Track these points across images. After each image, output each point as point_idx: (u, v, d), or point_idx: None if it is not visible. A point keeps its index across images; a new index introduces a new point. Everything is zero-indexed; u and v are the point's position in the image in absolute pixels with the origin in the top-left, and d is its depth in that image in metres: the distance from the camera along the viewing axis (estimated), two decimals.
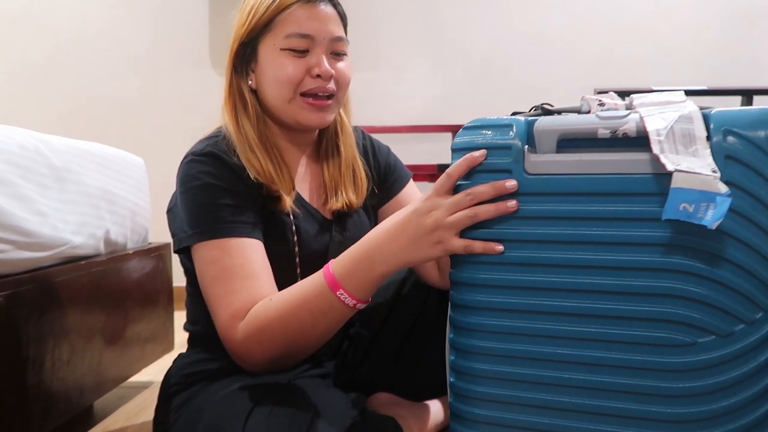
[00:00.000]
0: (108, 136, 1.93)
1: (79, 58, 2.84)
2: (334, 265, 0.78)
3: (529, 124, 0.66)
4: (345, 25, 0.96)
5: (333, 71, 0.91)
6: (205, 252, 0.85)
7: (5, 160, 1.02)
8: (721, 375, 0.58)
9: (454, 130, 2.52)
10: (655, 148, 0.59)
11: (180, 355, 1.00)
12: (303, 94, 0.91)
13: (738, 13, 2.65)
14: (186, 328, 1.02)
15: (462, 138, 0.69)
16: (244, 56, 0.95)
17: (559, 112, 0.70)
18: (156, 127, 2.83)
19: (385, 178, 1.10)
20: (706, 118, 0.60)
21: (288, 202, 0.91)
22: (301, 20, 0.90)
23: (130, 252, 1.43)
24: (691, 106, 0.62)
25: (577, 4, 2.73)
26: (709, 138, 0.59)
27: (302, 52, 0.91)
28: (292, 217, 0.93)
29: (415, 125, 2.64)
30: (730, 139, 0.58)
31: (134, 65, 2.84)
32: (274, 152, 0.94)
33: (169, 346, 1.61)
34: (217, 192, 0.86)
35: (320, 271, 0.79)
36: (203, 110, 2.79)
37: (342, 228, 1.00)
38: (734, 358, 0.58)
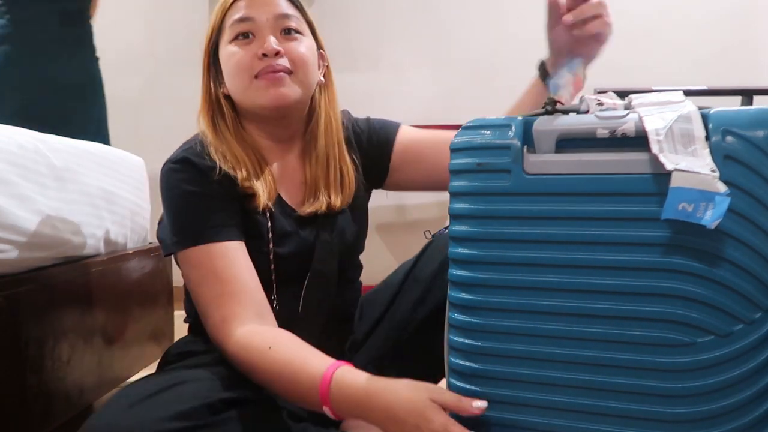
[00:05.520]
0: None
1: None
2: (335, 385, 0.74)
3: (528, 124, 0.66)
4: (299, 8, 0.96)
5: (279, 48, 0.90)
6: (190, 258, 0.88)
7: (5, 160, 1.02)
8: (720, 375, 0.58)
9: (454, 129, 2.52)
10: (654, 148, 0.59)
11: (180, 338, 1.05)
12: (257, 77, 0.91)
13: (738, 13, 2.65)
14: (185, 320, 1.06)
15: (461, 138, 0.69)
16: (213, 66, 0.97)
17: (562, 111, 0.70)
18: (156, 127, 2.82)
19: (371, 139, 1.07)
20: (705, 118, 0.60)
21: (263, 198, 0.90)
22: (240, 7, 0.92)
23: (130, 252, 1.43)
24: (690, 105, 0.62)
25: None
26: (708, 138, 0.59)
27: (246, 37, 0.91)
28: (268, 215, 0.92)
29: (415, 125, 2.63)
30: (729, 138, 0.58)
31: (134, 65, 2.84)
32: (252, 153, 0.94)
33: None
34: (194, 198, 0.88)
35: (323, 369, 0.75)
36: None
37: (321, 229, 0.98)
38: (733, 358, 0.58)
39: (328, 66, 1.03)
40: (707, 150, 0.58)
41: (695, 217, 0.56)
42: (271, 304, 0.91)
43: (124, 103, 2.83)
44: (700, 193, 0.56)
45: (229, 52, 0.92)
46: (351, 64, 2.66)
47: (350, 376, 0.74)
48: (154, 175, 1.75)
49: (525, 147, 0.65)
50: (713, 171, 0.57)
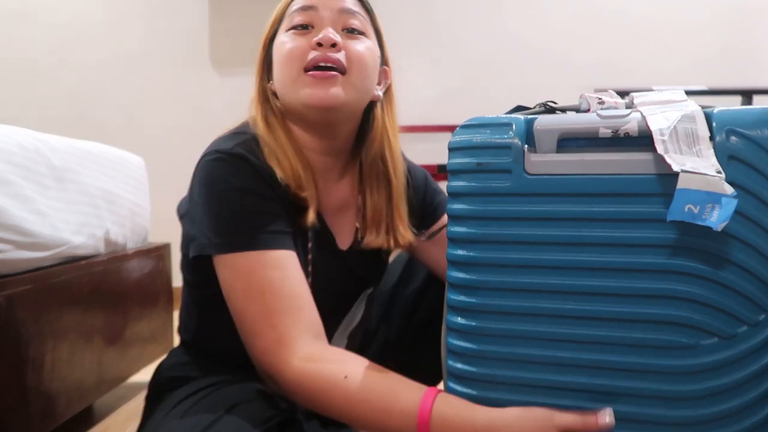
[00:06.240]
0: (108, 136, 1.93)
1: (79, 58, 2.84)
2: (436, 421, 0.65)
3: (529, 123, 0.65)
4: (367, 10, 0.88)
5: (338, 39, 0.80)
6: (238, 265, 0.75)
7: (5, 160, 1.02)
8: (724, 377, 0.58)
9: (453, 130, 2.52)
10: (660, 148, 0.58)
11: (172, 352, 0.96)
12: (306, 71, 0.81)
13: (738, 13, 2.66)
14: (179, 332, 0.97)
15: (460, 136, 0.67)
16: (267, 60, 0.89)
17: (561, 110, 0.70)
18: (156, 127, 2.83)
19: (426, 204, 1.00)
20: (709, 118, 0.59)
21: (312, 215, 0.81)
22: None
23: (130, 252, 1.43)
24: (693, 105, 0.61)
25: (577, 5, 2.73)
26: (711, 138, 0.58)
27: (305, 28, 0.82)
28: (310, 233, 0.84)
29: (415, 125, 2.64)
30: (734, 139, 0.57)
31: (134, 65, 2.84)
32: (303, 157, 0.85)
33: (169, 346, 1.61)
34: (249, 197, 0.77)
35: (417, 401, 0.66)
36: (203, 110, 2.80)
37: (356, 263, 0.91)
38: (737, 360, 0.57)
39: (390, 85, 0.94)
40: (712, 150, 0.58)
41: (701, 218, 0.56)
42: None
43: (124, 104, 2.83)
44: (707, 195, 0.56)
45: (282, 40, 0.83)
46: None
47: (452, 409, 0.65)
48: (154, 175, 1.75)
49: (526, 147, 0.64)
50: (719, 172, 0.56)
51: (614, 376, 0.61)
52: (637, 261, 0.60)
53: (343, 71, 0.81)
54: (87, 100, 2.83)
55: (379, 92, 0.90)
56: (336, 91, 0.80)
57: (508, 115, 0.67)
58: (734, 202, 0.55)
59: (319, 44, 0.80)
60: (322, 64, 0.80)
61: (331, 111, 0.82)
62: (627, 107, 0.64)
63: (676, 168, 0.57)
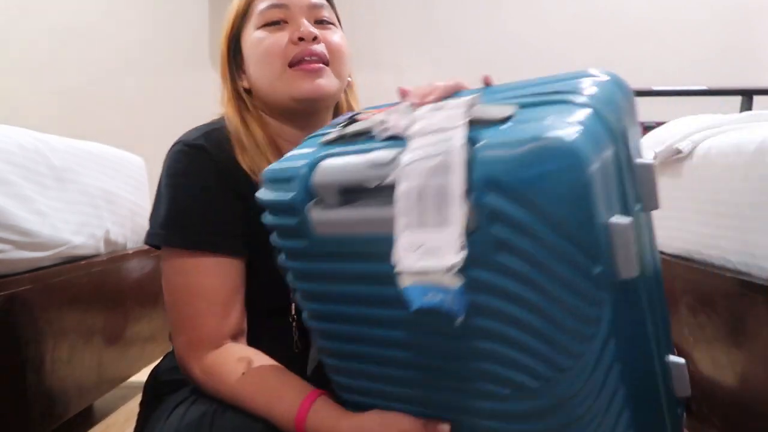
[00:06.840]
0: (108, 136, 1.93)
1: (79, 58, 2.84)
2: (309, 423, 0.68)
3: (314, 172, 0.59)
4: (330, 2, 0.90)
5: (317, 33, 0.83)
6: (176, 261, 0.78)
7: (5, 160, 1.02)
8: (539, 423, 0.55)
9: None
10: (399, 225, 0.50)
11: (166, 356, 0.96)
12: (291, 66, 0.82)
13: (738, 13, 2.66)
14: (171, 339, 0.96)
15: (260, 193, 0.64)
16: (233, 57, 0.89)
17: (354, 135, 0.60)
18: (155, 127, 2.82)
19: None
20: (472, 160, 0.48)
21: None
22: None
23: (130, 252, 1.43)
24: (456, 140, 0.49)
25: (577, 5, 2.73)
26: (470, 190, 0.48)
27: (278, 23, 0.84)
28: None
29: None
30: (493, 193, 0.47)
31: (134, 65, 2.84)
32: (279, 152, 0.85)
33: (169, 346, 1.61)
34: (205, 194, 0.79)
35: (295, 411, 0.69)
36: (203, 109, 2.79)
37: None
38: (540, 412, 0.55)
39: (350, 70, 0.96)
40: (462, 215, 0.48)
41: (444, 306, 0.50)
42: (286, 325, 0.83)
43: (123, 103, 2.83)
44: (437, 288, 0.50)
45: (256, 37, 0.84)
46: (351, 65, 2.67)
47: (322, 418, 0.68)
48: (154, 175, 1.75)
49: (310, 203, 0.58)
50: (462, 247, 0.48)
51: (446, 412, 0.60)
52: (429, 318, 0.53)
53: (326, 63, 0.84)
54: (87, 100, 2.83)
55: (350, 78, 0.93)
56: (324, 82, 0.83)
57: (294, 164, 0.61)
58: (464, 295, 0.49)
59: (301, 39, 0.82)
60: (307, 57, 0.82)
61: (319, 101, 0.85)
62: (405, 132, 0.54)
63: (398, 266, 0.51)
